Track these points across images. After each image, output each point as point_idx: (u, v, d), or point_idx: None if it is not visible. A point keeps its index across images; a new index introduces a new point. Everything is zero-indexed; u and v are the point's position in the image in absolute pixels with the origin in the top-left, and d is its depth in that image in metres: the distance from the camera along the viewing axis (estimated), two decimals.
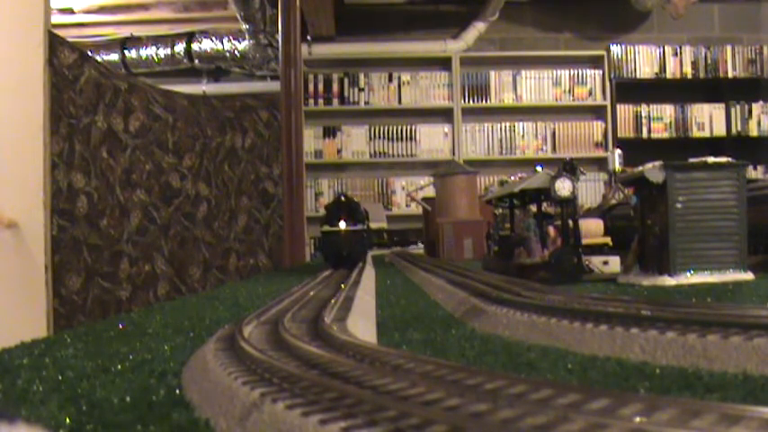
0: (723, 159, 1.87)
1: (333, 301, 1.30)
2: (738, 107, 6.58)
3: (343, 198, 2.64)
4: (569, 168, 2.03)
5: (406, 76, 6.58)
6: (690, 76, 6.63)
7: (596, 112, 6.67)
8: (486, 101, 6.59)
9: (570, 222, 2.06)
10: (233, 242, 3.95)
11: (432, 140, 6.56)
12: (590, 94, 6.63)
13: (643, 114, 6.59)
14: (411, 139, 6.53)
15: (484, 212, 3.73)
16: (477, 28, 6.48)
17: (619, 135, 6.49)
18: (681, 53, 6.63)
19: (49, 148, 2.42)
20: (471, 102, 6.57)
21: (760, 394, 0.68)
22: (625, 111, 6.57)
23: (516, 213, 2.62)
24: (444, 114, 6.62)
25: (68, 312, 2.54)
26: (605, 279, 2.05)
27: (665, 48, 6.63)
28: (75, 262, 2.62)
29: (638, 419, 0.44)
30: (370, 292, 1.82)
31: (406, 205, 6.42)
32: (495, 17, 6.42)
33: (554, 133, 6.60)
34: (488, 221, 3.38)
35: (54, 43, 2.48)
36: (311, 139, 6.43)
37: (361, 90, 6.56)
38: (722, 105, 6.58)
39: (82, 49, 2.78)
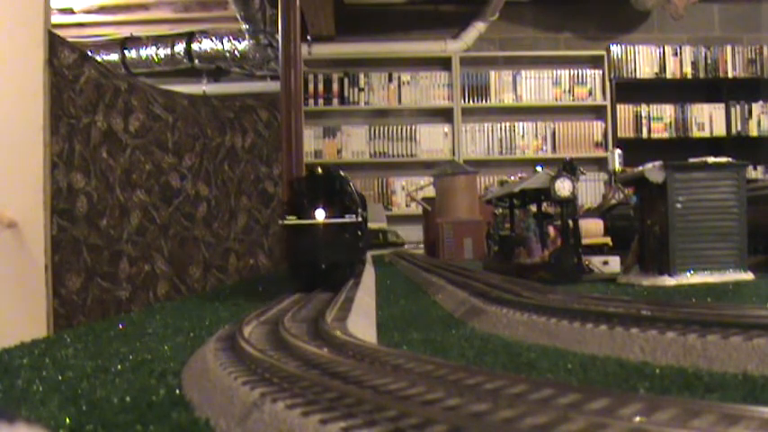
0: (723, 159, 1.87)
1: (333, 301, 1.30)
2: (738, 107, 6.58)
3: (320, 170, 1.65)
4: (569, 168, 2.03)
5: (406, 76, 6.57)
6: (690, 76, 6.62)
7: (596, 112, 6.66)
8: (486, 101, 6.58)
9: (570, 222, 2.06)
10: (233, 242, 3.95)
11: (432, 140, 6.56)
12: (590, 94, 6.63)
13: (643, 114, 6.58)
14: (411, 139, 6.53)
15: (484, 212, 3.73)
16: (477, 28, 6.47)
17: (619, 135, 6.49)
18: (681, 53, 6.63)
19: (49, 148, 2.42)
20: (471, 102, 6.57)
21: (760, 394, 0.68)
22: (625, 111, 6.57)
23: (516, 213, 2.62)
24: (444, 114, 6.62)
25: (68, 312, 2.54)
26: (605, 279, 2.05)
27: (665, 48, 6.63)
28: (74, 262, 2.61)
29: (638, 419, 0.44)
30: (369, 292, 1.82)
31: (406, 205, 6.42)
32: (495, 17, 6.42)
33: (554, 133, 6.60)
34: (488, 221, 3.38)
35: (54, 43, 2.48)
36: (311, 139, 6.43)
37: (361, 90, 6.55)
38: (722, 105, 6.58)
39: (82, 49, 2.78)
